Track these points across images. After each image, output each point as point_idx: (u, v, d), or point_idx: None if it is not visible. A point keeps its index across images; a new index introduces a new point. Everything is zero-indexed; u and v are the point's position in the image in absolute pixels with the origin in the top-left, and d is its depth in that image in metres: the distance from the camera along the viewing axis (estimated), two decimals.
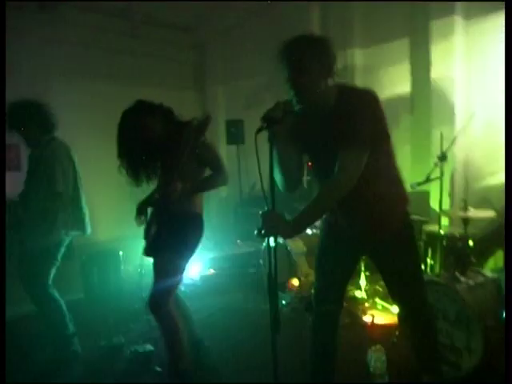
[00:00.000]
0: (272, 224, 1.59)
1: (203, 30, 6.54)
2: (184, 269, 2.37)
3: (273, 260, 1.53)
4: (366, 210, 1.81)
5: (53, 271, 2.74)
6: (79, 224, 2.80)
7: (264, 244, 3.30)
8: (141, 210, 2.48)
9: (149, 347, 2.84)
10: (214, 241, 4.93)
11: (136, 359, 2.78)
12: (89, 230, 2.88)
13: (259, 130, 1.55)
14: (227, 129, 5.45)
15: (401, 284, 1.92)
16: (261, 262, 3.85)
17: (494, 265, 3.29)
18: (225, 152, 5.60)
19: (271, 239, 1.57)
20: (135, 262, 4.43)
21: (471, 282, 2.38)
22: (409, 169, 4.13)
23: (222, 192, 6.00)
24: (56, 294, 2.75)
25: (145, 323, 3.14)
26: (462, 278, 2.41)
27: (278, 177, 1.79)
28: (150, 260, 2.40)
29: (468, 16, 3.81)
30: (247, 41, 5.94)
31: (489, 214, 2.93)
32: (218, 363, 2.68)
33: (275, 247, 1.55)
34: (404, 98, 4.43)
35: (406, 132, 4.36)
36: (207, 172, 2.40)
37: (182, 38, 6.59)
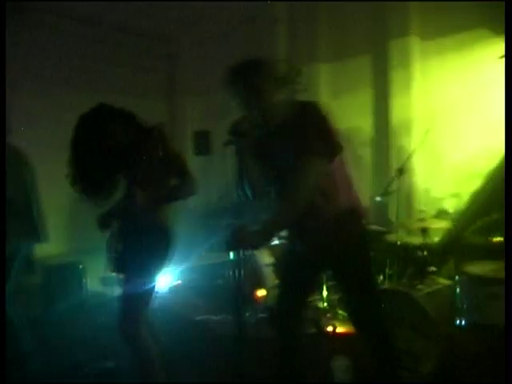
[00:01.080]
0: (240, 236, 1.61)
1: (177, 40, 6.54)
2: (154, 284, 2.22)
3: (239, 272, 1.55)
4: (323, 223, 1.84)
5: (8, 284, 2.57)
6: (31, 233, 2.65)
7: (231, 255, 3.30)
8: (103, 223, 2.28)
9: (110, 364, 2.76)
10: (182, 252, 4.87)
11: (97, 377, 2.69)
12: (42, 239, 2.71)
13: (227, 143, 1.61)
14: (195, 140, 5.45)
15: (358, 295, 1.96)
16: (230, 273, 3.84)
17: (453, 271, 3.45)
18: (192, 163, 5.57)
19: (239, 251, 1.59)
20: (97, 276, 4.32)
21: (428, 290, 2.48)
22: (369, 182, 4.29)
23: (189, 203, 5.96)
24: (10, 310, 2.58)
25: (106, 339, 3.05)
26: (420, 286, 2.51)
27: (247, 187, 1.83)
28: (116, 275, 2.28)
29: (424, 36, 4.04)
30: (216, 53, 6.00)
31: (445, 223, 3.08)
32: (185, 375, 2.64)
33: (241, 257, 1.58)
34: (365, 114, 4.60)
35: (367, 146, 4.52)
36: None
37: (154, 47, 6.55)
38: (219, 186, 5.20)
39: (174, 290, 4.35)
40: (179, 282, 4.58)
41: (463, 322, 2.19)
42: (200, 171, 5.27)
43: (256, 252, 3.55)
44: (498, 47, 3.67)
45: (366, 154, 4.51)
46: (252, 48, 5.06)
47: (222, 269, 4.09)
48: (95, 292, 4.06)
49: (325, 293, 3.49)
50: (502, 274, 2.22)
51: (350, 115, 4.69)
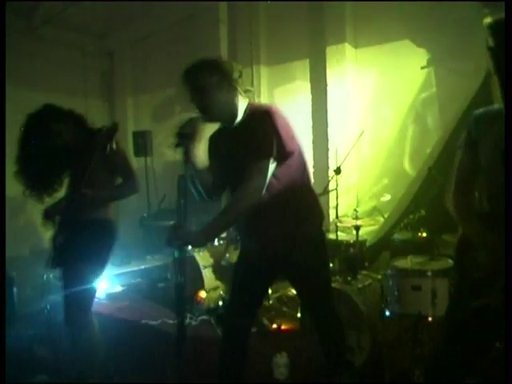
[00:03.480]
0: (181, 234, 1.60)
1: (113, 37, 6.31)
2: (97, 278, 2.27)
3: (179, 272, 1.55)
4: (279, 224, 1.86)
5: None
6: None
7: (171, 257, 3.25)
8: (48, 215, 2.33)
9: (42, 377, 2.62)
10: (122, 256, 4.73)
11: None
12: None
13: (176, 146, 1.67)
14: (134, 140, 5.30)
15: (316, 294, 2.02)
16: (168, 275, 3.80)
17: (384, 266, 3.66)
18: (133, 164, 5.43)
19: (179, 250, 1.58)
20: (30, 284, 4.07)
21: (360, 285, 2.62)
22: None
23: (131, 204, 5.79)
24: None
25: (39, 351, 2.90)
26: (353, 282, 2.65)
27: (197, 188, 1.88)
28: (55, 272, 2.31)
29: (357, 44, 4.28)
30: (157, 52, 5.89)
31: (378, 221, 3.26)
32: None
33: (182, 259, 1.57)
34: (306, 116, 4.76)
35: (308, 148, 4.67)
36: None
37: (88, 44, 6.28)
38: (160, 187, 5.10)
39: (112, 295, 4.20)
40: (118, 287, 4.44)
41: (389, 313, 2.34)
42: (140, 172, 5.16)
43: (196, 254, 3.53)
44: (420, 57, 4.01)
45: (307, 155, 4.66)
46: (193, 48, 5.03)
47: (164, 271, 4.03)
48: (27, 301, 3.82)
49: (269, 291, 3.55)
50: (426, 267, 2.43)
51: (290, 118, 4.82)
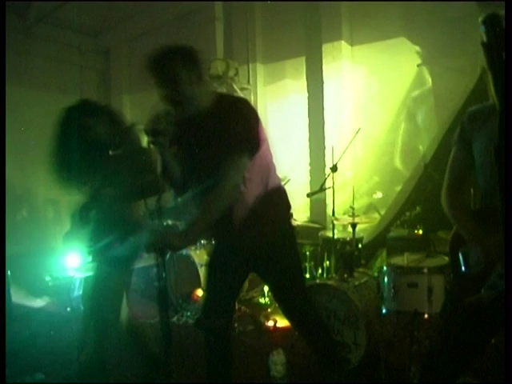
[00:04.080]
0: (160, 237, 1.57)
1: (109, 35, 6.28)
2: (131, 269, 2.33)
3: (164, 274, 1.53)
4: (247, 219, 1.80)
5: None
6: None
7: (168, 256, 3.24)
8: (81, 217, 2.30)
9: (39, 376, 2.61)
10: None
11: None
12: None
13: (152, 144, 1.60)
14: None
15: (286, 290, 1.98)
16: (163, 274, 3.78)
17: (381, 264, 3.68)
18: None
19: (160, 254, 1.56)
20: (27, 282, 4.05)
21: (356, 282, 2.62)
22: (307, 179, 4.44)
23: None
24: None
25: (35, 349, 2.89)
26: (350, 279, 2.65)
27: (168, 182, 1.83)
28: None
29: (353, 42, 4.28)
30: (152, 50, 5.86)
31: (374, 218, 3.26)
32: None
33: (164, 261, 1.56)
34: (301, 113, 4.76)
35: (305, 146, 4.68)
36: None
37: (84, 42, 6.25)
38: None
39: None
40: None
41: (385, 310, 2.35)
42: None
43: (192, 252, 3.53)
44: (416, 54, 4.02)
45: (304, 152, 4.66)
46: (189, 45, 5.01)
47: (160, 270, 4.00)
48: (23, 300, 3.81)
49: (266, 288, 3.56)
50: (422, 264, 2.43)
51: (287, 116, 4.83)
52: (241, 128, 1.68)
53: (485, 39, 0.89)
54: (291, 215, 2.02)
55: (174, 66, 1.67)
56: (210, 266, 2.04)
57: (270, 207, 1.86)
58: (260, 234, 1.84)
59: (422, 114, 4.05)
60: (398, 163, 4.22)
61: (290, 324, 2.21)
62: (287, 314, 2.15)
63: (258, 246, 1.86)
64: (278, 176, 1.95)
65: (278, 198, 1.92)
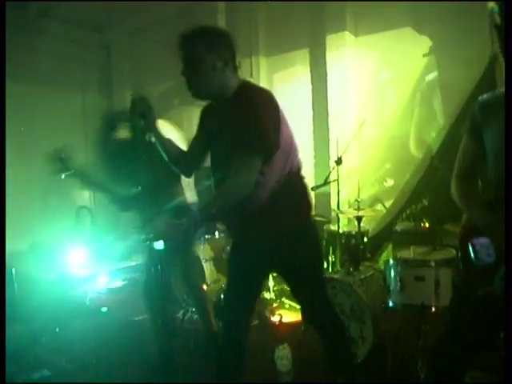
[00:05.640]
0: (160, 228, 1.56)
1: (111, 30, 6.25)
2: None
3: (160, 267, 1.51)
4: (267, 217, 1.75)
5: None
6: None
7: (173, 252, 3.22)
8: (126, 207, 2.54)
9: (45, 372, 2.62)
10: (122, 250, 4.73)
11: None
12: None
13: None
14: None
15: (307, 288, 1.93)
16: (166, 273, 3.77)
17: (387, 257, 3.64)
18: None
19: (158, 244, 1.54)
20: (31, 279, 4.06)
21: (362, 276, 2.60)
22: (312, 173, 4.40)
23: None
24: None
25: (40, 346, 2.89)
26: (355, 273, 2.62)
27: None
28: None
29: (357, 32, 4.22)
30: (156, 45, 5.82)
31: (379, 211, 3.23)
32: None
33: (164, 252, 1.54)
34: (305, 106, 4.71)
35: (309, 139, 4.63)
36: None
37: (85, 37, 6.21)
38: None
39: (113, 290, 4.21)
40: (119, 281, 4.45)
41: (392, 304, 2.32)
42: None
43: (197, 247, 3.51)
44: (422, 45, 3.95)
45: (308, 145, 4.62)
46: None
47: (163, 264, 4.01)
48: (27, 297, 3.82)
49: (271, 283, 3.54)
50: (428, 257, 2.40)
51: (291, 108, 4.77)
52: (257, 126, 1.59)
53: (498, 21, 0.86)
54: (310, 211, 1.93)
55: (199, 47, 1.63)
56: (230, 261, 2.00)
57: (291, 203, 1.79)
58: (280, 230, 1.77)
59: (436, 98, 3.97)
60: (412, 149, 4.14)
61: (304, 321, 2.16)
62: (306, 313, 2.11)
63: (278, 243, 1.79)
64: (300, 173, 1.88)
65: (299, 195, 1.86)
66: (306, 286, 1.93)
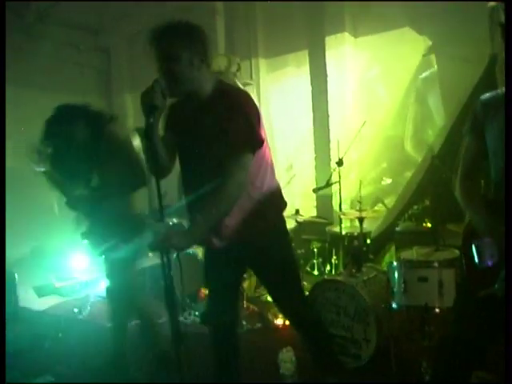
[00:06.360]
0: (164, 237, 1.51)
1: (109, 33, 6.26)
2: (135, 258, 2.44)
3: (169, 272, 1.50)
4: (240, 215, 1.73)
5: None
6: None
7: (175, 255, 3.23)
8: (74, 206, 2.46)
9: (49, 378, 2.61)
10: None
11: None
12: None
13: (151, 124, 1.47)
14: (140, 137, 5.26)
15: (280, 288, 1.92)
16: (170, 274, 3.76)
17: (389, 258, 3.63)
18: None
19: (165, 253, 1.52)
20: (33, 284, 4.06)
21: (365, 277, 2.58)
22: (313, 174, 4.40)
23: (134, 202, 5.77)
24: None
25: (43, 352, 2.88)
26: (358, 274, 2.61)
27: (151, 163, 1.67)
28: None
29: (356, 33, 4.22)
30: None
31: (381, 212, 3.22)
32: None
33: (170, 260, 1.52)
34: (306, 107, 4.70)
35: (310, 140, 4.63)
36: None
37: (84, 41, 6.23)
38: (161, 184, 5.07)
39: None
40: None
41: (395, 305, 2.31)
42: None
43: (198, 251, 3.50)
44: (421, 45, 3.95)
45: (309, 146, 4.62)
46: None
47: (166, 270, 3.99)
48: (29, 302, 3.82)
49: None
50: (431, 258, 2.39)
51: (291, 110, 4.78)
52: (245, 124, 1.60)
53: (503, 19, 0.85)
54: (284, 208, 1.93)
55: (175, 42, 1.57)
56: (206, 263, 2.01)
57: (265, 204, 1.78)
58: (253, 231, 1.78)
59: (432, 96, 3.96)
60: (408, 147, 4.14)
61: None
62: (283, 313, 2.16)
63: (251, 243, 1.79)
64: (274, 174, 1.88)
65: (272, 196, 1.85)
66: (280, 289, 1.93)
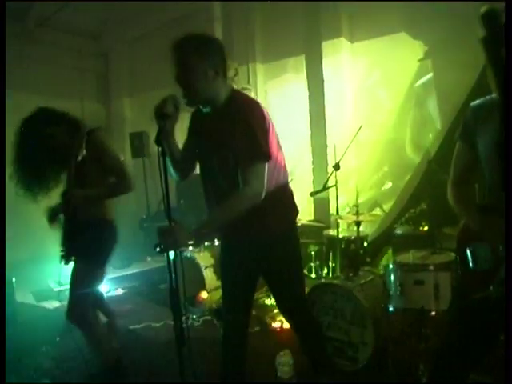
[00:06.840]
0: (171, 238, 1.54)
1: (108, 38, 6.29)
2: (100, 276, 2.41)
3: (174, 274, 1.51)
4: (255, 218, 1.77)
5: None
6: None
7: (172, 258, 3.23)
8: (51, 217, 2.44)
9: (45, 381, 2.61)
10: (122, 258, 4.72)
11: None
12: None
13: (161, 131, 1.54)
14: (131, 142, 5.28)
15: (286, 290, 1.99)
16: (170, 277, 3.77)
17: (386, 261, 3.64)
18: (131, 166, 5.42)
19: (171, 253, 1.54)
20: (31, 289, 4.05)
21: (362, 281, 2.60)
22: (310, 178, 4.41)
23: (130, 207, 5.78)
24: None
25: (40, 356, 2.88)
26: (355, 278, 2.62)
27: (170, 168, 1.80)
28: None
29: (353, 39, 4.26)
30: (153, 52, 5.86)
31: (378, 216, 3.23)
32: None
33: (176, 261, 1.54)
34: (302, 112, 4.73)
35: (307, 144, 4.65)
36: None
37: (83, 45, 6.25)
38: (158, 188, 5.09)
39: (113, 299, 4.19)
40: (119, 290, 4.43)
41: (392, 308, 2.32)
42: (139, 174, 5.15)
43: (196, 254, 3.51)
44: (417, 50, 3.98)
45: (306, 150, 4.64)
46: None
47: (165, 273, 4.01)
48: (27, 306, 3.82)
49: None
50: (428, 261, 2.40)
51: (288, 115, 4.80)
52: (261, 135, 1.67)
53: (484, 34, 0.87)
54: (296, 215, 2.01)
55: (190, 54, 1.66)
56: (221, 263, 2.07)
57: (278, 208, 1.86)
58: (266, 235, 1.85)
59: (432, 100, 4.00)
60: (409, 150, 4.16)
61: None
62: (285, 315, 2.18)
63: (263, 246, 1.87)
64: (287, 179, 1.95)
65: (286, 200, 1.94)
66: (285, 291, 1.99)
